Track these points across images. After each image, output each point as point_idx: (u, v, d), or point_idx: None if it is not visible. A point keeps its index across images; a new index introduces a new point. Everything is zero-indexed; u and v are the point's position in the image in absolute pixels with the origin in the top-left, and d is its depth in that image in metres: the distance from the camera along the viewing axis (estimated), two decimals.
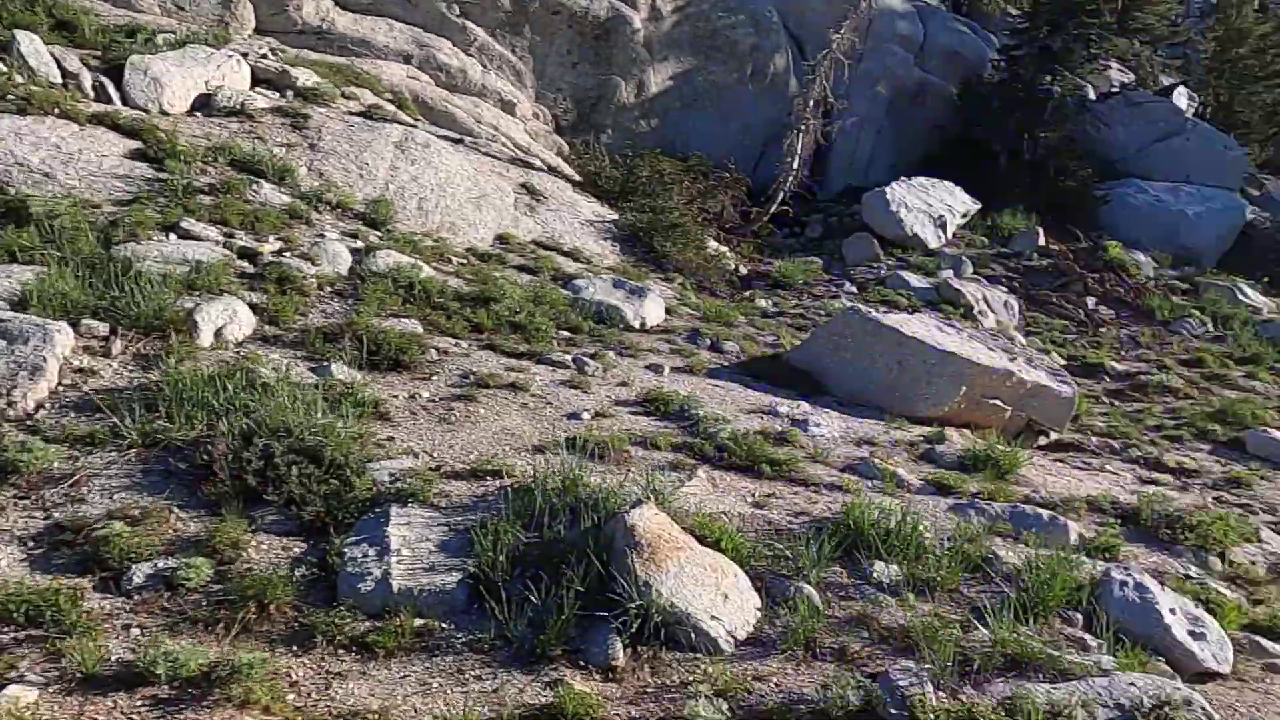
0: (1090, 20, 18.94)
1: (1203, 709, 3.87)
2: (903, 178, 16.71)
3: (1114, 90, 23.16)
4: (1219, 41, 34.58)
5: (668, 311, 10.80)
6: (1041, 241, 15.90)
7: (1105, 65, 24.57)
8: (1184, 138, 20.74)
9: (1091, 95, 21.66)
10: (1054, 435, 8.98)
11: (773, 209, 15.66)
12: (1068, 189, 18.06)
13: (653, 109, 17.80)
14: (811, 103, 15.29)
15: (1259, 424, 9.62)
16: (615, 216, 13.93)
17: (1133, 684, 3.99)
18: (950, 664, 4.08)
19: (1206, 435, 9.48)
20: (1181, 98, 24.83)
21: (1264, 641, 4.96)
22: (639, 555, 4.45)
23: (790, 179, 15.61)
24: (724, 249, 14.43)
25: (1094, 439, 9.04)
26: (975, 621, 4.57)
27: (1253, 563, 6.04)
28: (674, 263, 13.05)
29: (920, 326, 9.07)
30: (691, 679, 4.04)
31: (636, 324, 9.98)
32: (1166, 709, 3.78)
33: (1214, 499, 7.65)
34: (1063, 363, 11.45)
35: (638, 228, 13.57)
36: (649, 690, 4.01)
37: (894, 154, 19.34)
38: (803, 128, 15.42)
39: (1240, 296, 14.35)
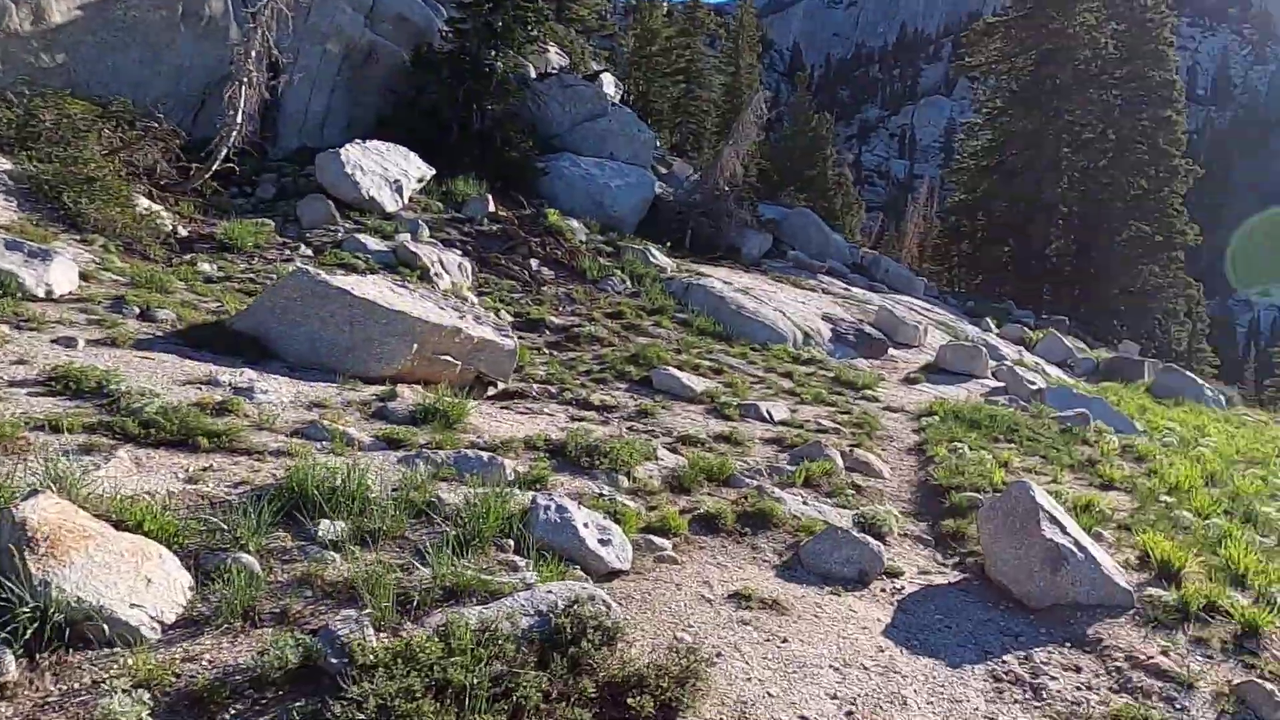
0: (527, 3, 20.57)
1: (604, 600, 4.55)
2: (357, 140, 16.55)
3: (552, 71, 25.54)
4: (637, 38, 40.15)
5: (84, 277, 9.42)
6: (491, 208, 17.03)
7: (545, 47, 26.95)
8: (607, 119, 23.76)
9: (532, 74, 23.62)
10: (501, 385, 9.75)
11: (214, 166, 14.39)
12: (512, 160, 19.56)
13: (58, 42, 15.09)
14: (253, 53, 14.28)
15: (662, 364, 11.51)
16: (10, 166, 11.64)
17: (550, 591, 4.53)
18: (390, 605, 4.22)
19: (624, 376, 11.09)
20: (608, 84, 28.25)
21: (656, 539, 5.98)
22: (33, 551, 3.86)
23: (234, 134, 14.48)
24: (158, 208, 12.91)
25: (535, 386, 10.02)
26: (416, 563, 4.79)
27: (650, 477, 7.25)
28: (93, 222, 11.34)
29: (372, 288, 9.12)
30: (108, 675, 3.63)
31: (41, 292, 8.54)
32: (575, 606, 4.36)
33: (627, 428, 9.00)
34: (510, 319, 12.46)
35: (42, 180, 11.52)
36: (52, 699, 3.51)
37: (348, 115, 19.05)
38: (245, 80, 14.36)
39: (650, 258, 17.01)
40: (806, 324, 15.63)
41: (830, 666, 4.81)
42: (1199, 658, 5.52)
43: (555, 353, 11.88)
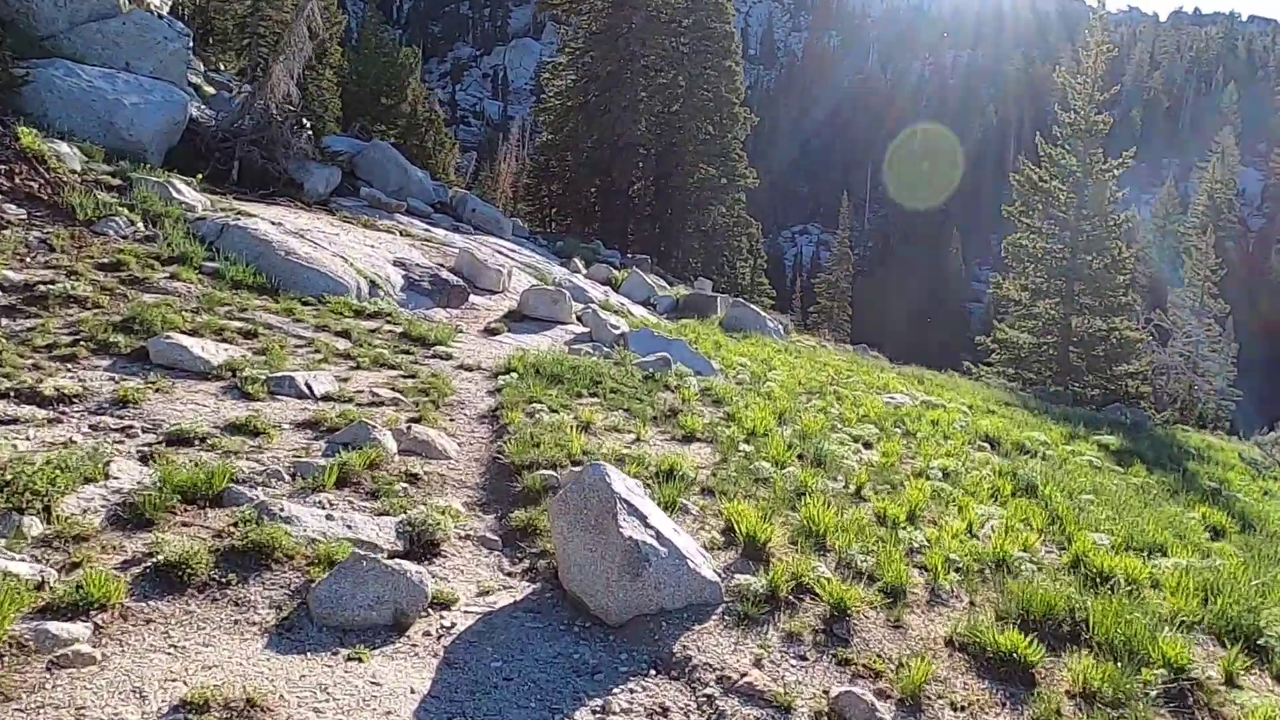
0: None
1: None
2: None
3: None
4: None
5: None
6: None
7: None
8: (121, 21, 19.11)
9: None
10: None
11: None
12: None
13: None
14: None
15: (169, 329, 8.84)
16: None
17: None
18: None
19: (109, 348, 8.28)
20: None
21: (60, 628, 3.81)
22: None
23: None
24: None
25: None
26: None
27: (87, 512, 4.93)
28: None
29: None
30: None
31: None
32: None
33: (89, 427, 6.44)
34: None
35: None
36: None
37: None
38: None
39: (174, 194, 13.67)
40: (375, 271, 13.55)
41: None
42: (793, 661, 4.70)
43: (5, 320, 8.60)
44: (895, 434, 11.60)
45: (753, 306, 24.31)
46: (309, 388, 8.13)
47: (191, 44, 25.40)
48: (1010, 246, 31.22)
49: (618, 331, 13.62)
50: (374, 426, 7.04)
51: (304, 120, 18.93)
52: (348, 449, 6.66)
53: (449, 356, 10.81)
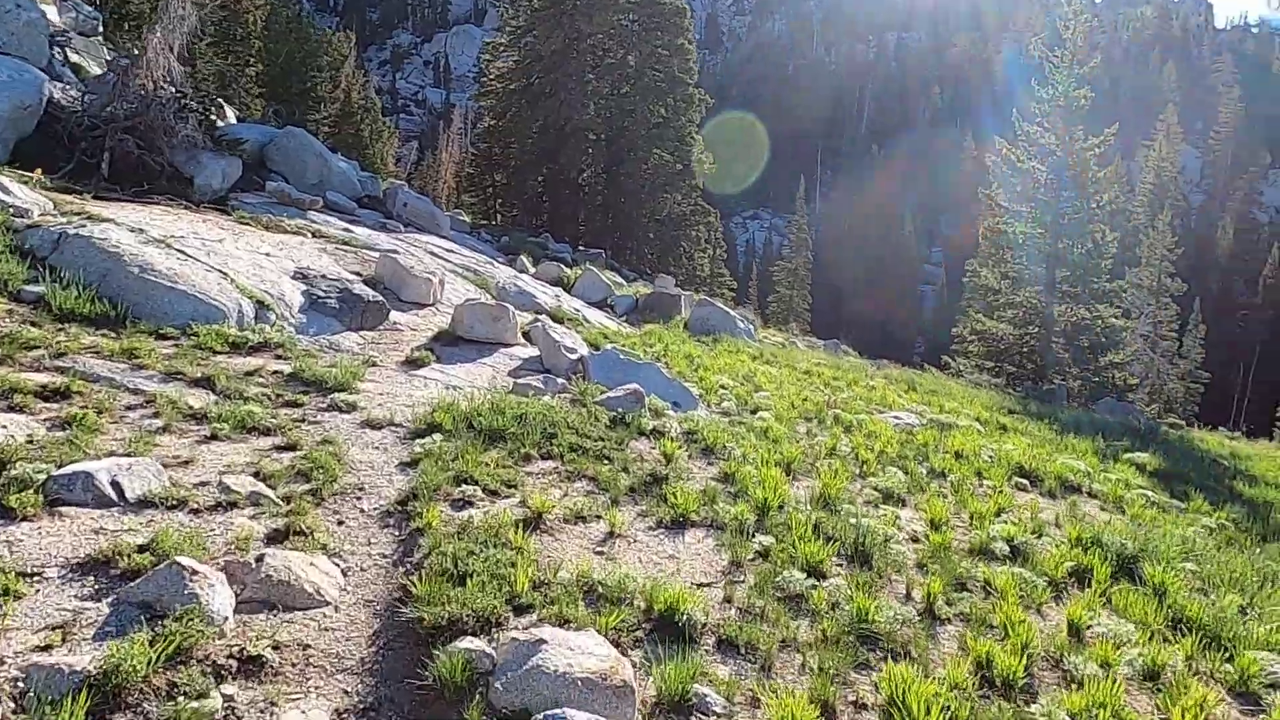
0: None
1: None
2: None
3: None
4: None
5: None
6: None
7: None
8: None
9: None
10: None
11: None
12: None
13: None
14: None
15: None
16: None
17: None
18: None
19: None
20: None
21: None
22: None
23: None
24: None
25: None
26: None
27: None
28: None
29: None
30: None
31: None
32: None
33: None
34: None
35: None
36: None
37: None
38: None
39: (3, 196, 10.69)
40: (267, 288, 10.72)
41: None
42: None
43: None
44: (923, 476, 9.30)
45: (720, 305, 21.82)
46: (117, 488, 5.39)
47: (101, 26, 22.12)
48: (988, 233, 29.20)
49: (574, 356, 10.99)
50: (195, 573, 4.34)
51: (192, 103, 15.88)
52: (143, 622, 3.99)
53: (352, 407, 8.08)
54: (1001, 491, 9.11)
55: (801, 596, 5.46)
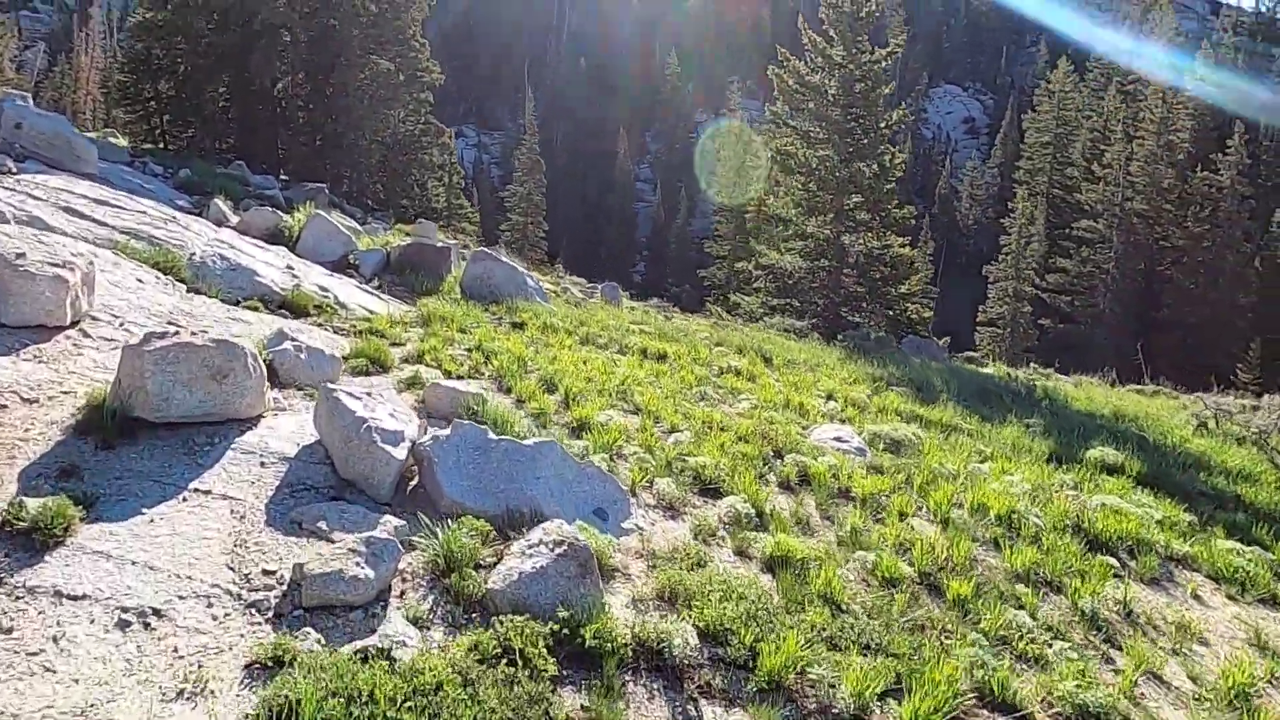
0: None
1: None
2: None
3: None
4: None
5: None
6: None
7: None
8: None
9: None
10: None
11: None
12: None
13: None
14: None
15: None
16: None
17: None
18: None
19: None
20: None
21: None
22: None
23: None
24: None
25: None
26: None
27: None
28: None
29: None
30: None
31: None
32: None
33: None
34: None
35: None
36: None
37: None
38: None
39: None
40: None
41: None
42: None
43: None
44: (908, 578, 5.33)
45: (503, 258, 16.30)
46: None
47: None
48: (778, 155, 26.03)
49: (401, 454, 5.56)
50: None
51: None
52: None
53: None
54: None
55: None
